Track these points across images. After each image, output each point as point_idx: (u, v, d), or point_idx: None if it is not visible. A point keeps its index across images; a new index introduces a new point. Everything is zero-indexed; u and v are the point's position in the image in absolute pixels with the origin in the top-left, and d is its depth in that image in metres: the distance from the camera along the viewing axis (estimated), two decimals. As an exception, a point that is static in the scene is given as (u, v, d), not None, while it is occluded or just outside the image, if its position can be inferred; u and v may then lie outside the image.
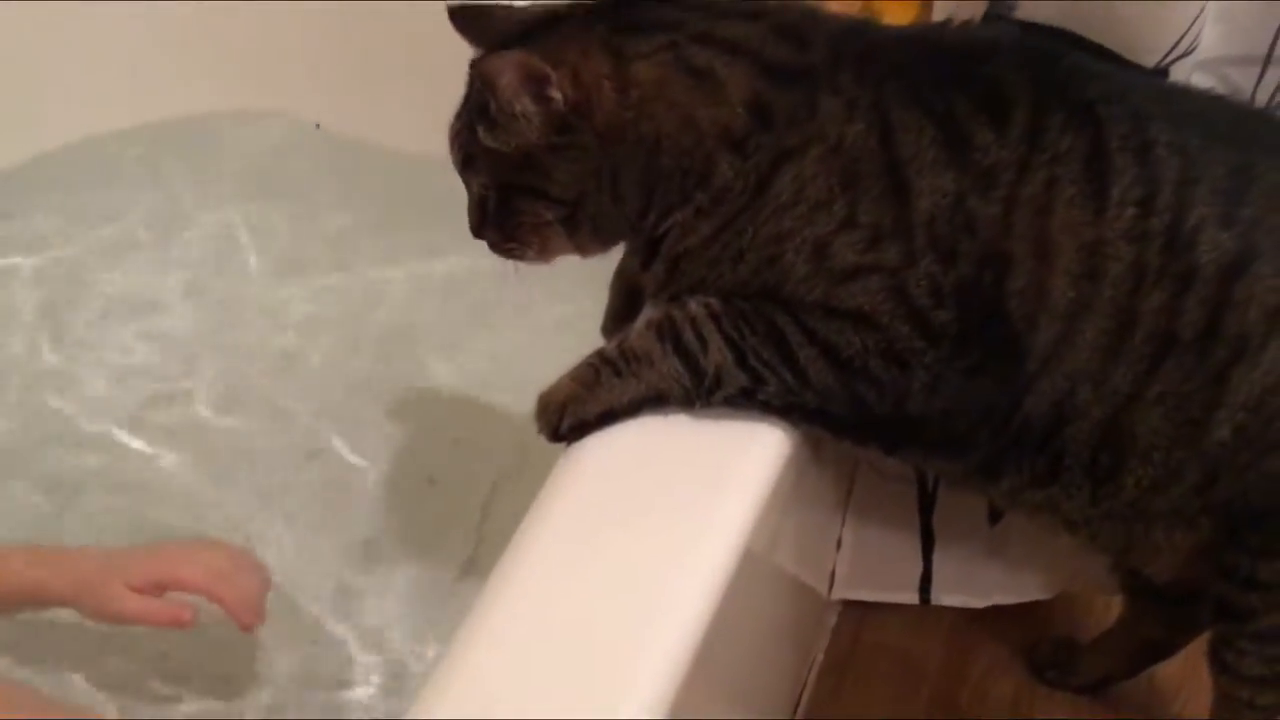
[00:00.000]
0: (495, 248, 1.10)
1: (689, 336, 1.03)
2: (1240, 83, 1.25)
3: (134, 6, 1.75)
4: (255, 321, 1.70)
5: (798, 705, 1.51)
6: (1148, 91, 1.09)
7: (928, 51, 1.07)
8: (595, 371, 1.04)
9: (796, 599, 1.43)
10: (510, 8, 1.10)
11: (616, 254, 1.15)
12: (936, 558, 1.50)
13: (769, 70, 1.02)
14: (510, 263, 1.11)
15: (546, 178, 1.04)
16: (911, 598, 1.54)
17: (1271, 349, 1.01)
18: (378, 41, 1.73)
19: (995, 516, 1.44)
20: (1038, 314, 1.00)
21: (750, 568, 0.97)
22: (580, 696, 0.84)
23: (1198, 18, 1.14)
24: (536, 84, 1.00)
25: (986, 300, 1.00)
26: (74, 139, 1.80)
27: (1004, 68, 1.03)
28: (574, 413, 1.03)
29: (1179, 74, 1.17)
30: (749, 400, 1.03)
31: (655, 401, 1.03)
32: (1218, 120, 1.08)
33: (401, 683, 1.32)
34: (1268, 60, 1.23)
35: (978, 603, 1.54)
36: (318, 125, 1.83)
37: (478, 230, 1.10)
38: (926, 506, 1.46)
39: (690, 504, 0.98)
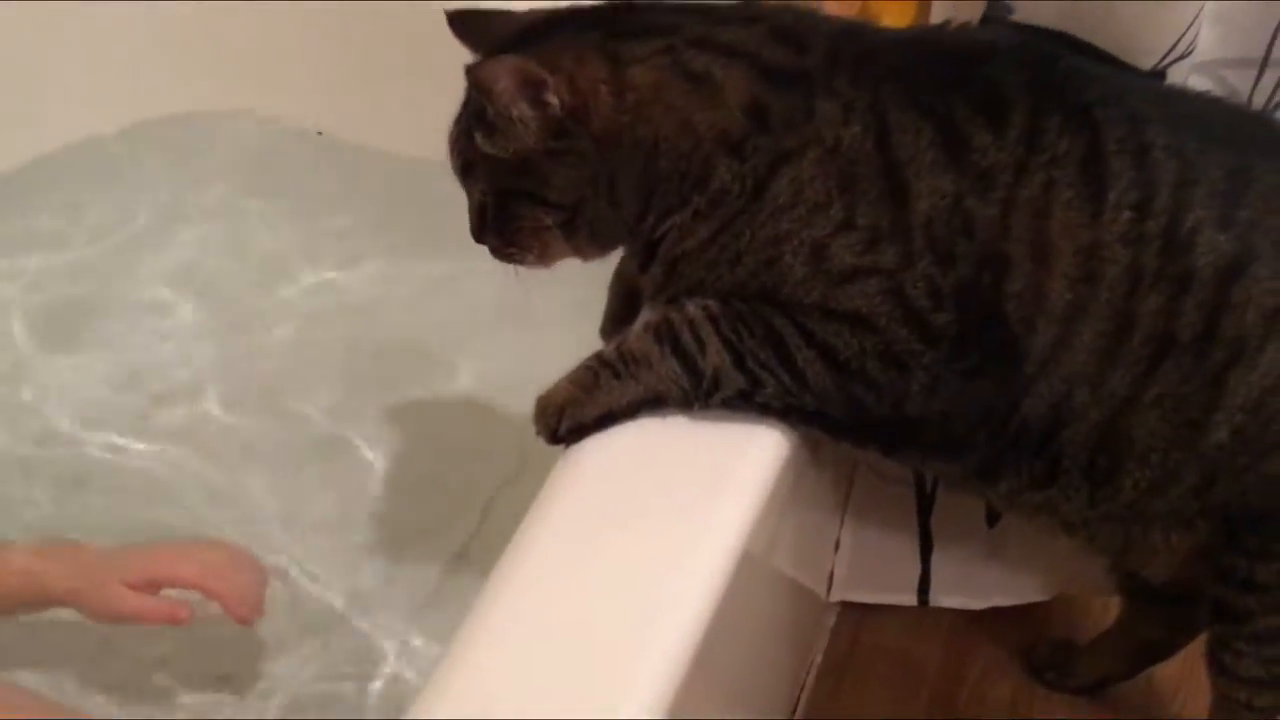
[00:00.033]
0: (496, 253, 1.10)
1: (687, 338, 1.03)
2: (1237, 85, 1.25)
3: (134, 7, 1.75)
4: (256, 322, 1.70)
5: (796, 706, 1.51)
6: (1145, 94, 1.09)
7: (925, 54, 1.07)
8: (594, 374, 1.04)
9: (795, 600, 1.43)
10: (509, 13, 1.10)
11: (616, 255, 1.15)
12: (935, 559, 1.50)
13: (766, 73, 1.02)
14: (511, 266, 1.11)
15: (544, 183, 1.04)
16: (910, 599, 1.54)
17: (1269, 351, 1.01)
18: (379, 43, 1.73)
19: (993, 518, 1.44)
20: (1035, 316, 1.00)
21: (749, 569, 0.98)
22: (580, 696, 0.84)
23: (1195, 20, 1.14)
24: (533, 89, 1.00)
25: (984, 302, 1.00)
26: (75, 139, 1.80)
27: (1002, 70, 1.03)
28: (572, 415, 1.03)
29: (1176, 76, 1.17)
30: (747, 402, 1.03)
31: (654, 403, 1.04)
32: (1215, 123, 1.08)
33: (397, 686, 1.33)
34: (1265, 62, 1.23)
35: (976, 604, 1.54)
36: (319, 132, 1.83)
37: (478, 235, 1.10)
38: (925, 508, 1.46)
39: (689, 505, 0.98)
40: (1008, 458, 1.07)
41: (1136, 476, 1.06)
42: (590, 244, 1.09)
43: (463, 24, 1.10)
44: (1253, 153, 1.04)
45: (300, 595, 1.40)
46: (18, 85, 1.73)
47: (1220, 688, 1.22)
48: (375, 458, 1.55)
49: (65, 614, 1.24)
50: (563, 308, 1.38)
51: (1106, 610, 1.51)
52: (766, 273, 1.02)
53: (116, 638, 1.31)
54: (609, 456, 1.02)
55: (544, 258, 1.10)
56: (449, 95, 1.07)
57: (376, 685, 1.33)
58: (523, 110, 1.00)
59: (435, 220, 1.19)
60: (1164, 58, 1.15)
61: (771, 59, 1.03)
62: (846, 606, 1.60)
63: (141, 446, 1.55)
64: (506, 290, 1.13)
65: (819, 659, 1.56)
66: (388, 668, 1.34)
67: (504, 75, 0.99)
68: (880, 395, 1.02)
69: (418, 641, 1.36)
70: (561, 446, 1.04)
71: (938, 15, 1.20)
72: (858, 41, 1.06)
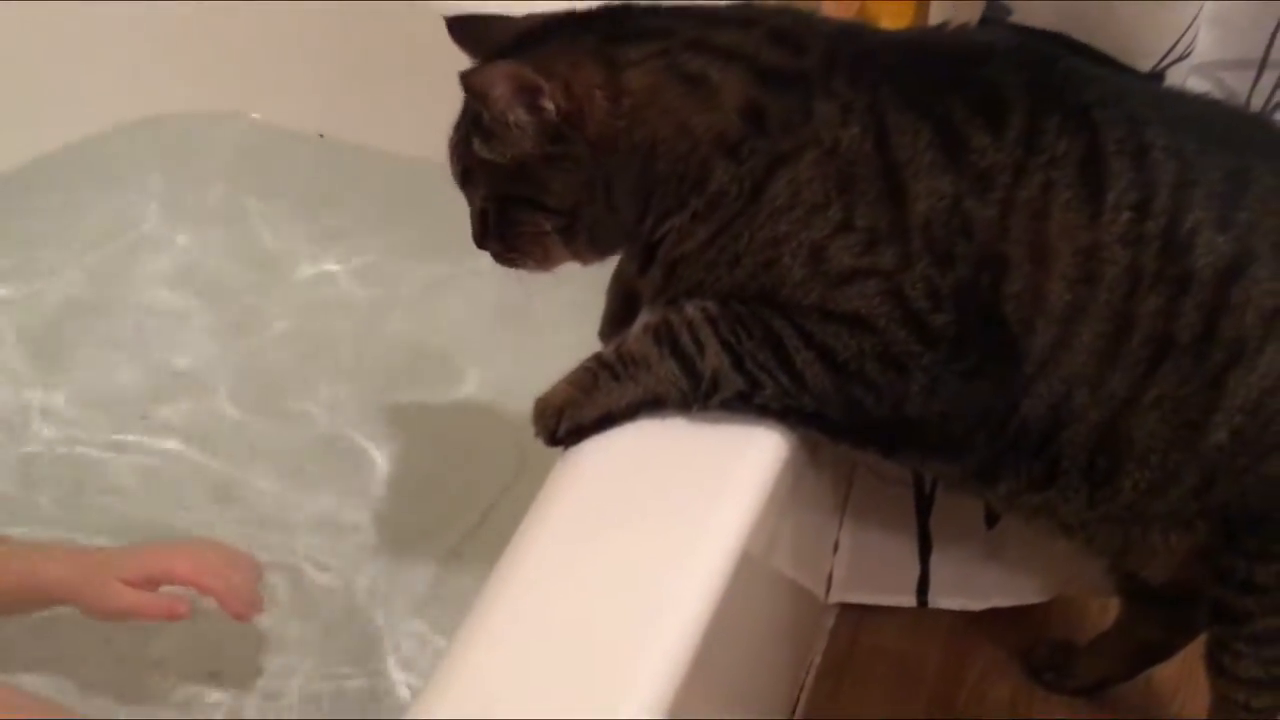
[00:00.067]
0: (498, 258, 1.10)
1: (686, 340, 1.03)
2: (1235, 87, 1.26)
3: (134, 7, 1.75)
4: (257, 322, 1.71)
5: (795, 707, 1.51)
6: (1143, 95, 1.09)
7: (924, 55, 1.07)
8: (592, 375, 1.04)
9: (794, 601, 1.43)
10: (508, 18, 1.10)
11: (616, 258, 1.15)
12: (934, 561, 1.50)
13: (763, 75, 1.02)
14: (512, 270, 1.11)
15: (542, 188, 1.04)
16: (909, 600, 1.54)
17: (1268, 352, 1.01)
18: (380, 44, 1.73)
19: (992, 519, 1.44)
20: (1034, 317, 1.00)
21: (748, 570, 0.98)
22: (580, 696, 0.84)
23: (1193, 22, 1.15)
24: (528, 95, 1.00)
25: (983, 303, 1.00)
26: (74, 139, 1.80)
27: (1000, 71, 1.04)
28: (571, 417, 1.03)
29: (1174, 78, 1.17)
30: (746, 403, 1.04)
31: (652, 405, 1.04)
32: (1213, 124, 1.08)
33: (398, 684, 1.33)
34: (1263, 64, 1.24)
35: (975, 605, 1.54)
36: (321, 134, 1.83)
37: (480, 242, 1.10)
38: (924, 510, 1.46)
39: (688, 507, 0.98)
40: (1007, 459, 1.07)
41: (1136, 478, 1.06)
42: (589, 248, 1.09)
43: (462, 30, 1.10)
44: (1251, 154, 1.04)
45: (300, 594, 1.40)
46: (17, 86, 1.73)
47: (1219, 689, 1.22)
48: (377, 458, 1.55)
49: (64, 615, 1.25)
50: (563, 309, 1.38)
51: (1105, 611, 1.51)
52: (765, 274, 1.02)
53: (116, 638, 1.32)
54: (608, 458, 1.02)
55: (545, 263, 1.10)
56: (452, 96, 1.06)
57: (376, 684, 1.32)
58: (519, 116, 1.00)
59: (437, 222, 1.19)
60: (1162, 59, 1.15)
61: (769, 61, 1.03)
62: (845, 607, 1.60)
63: (142, 446, 1.55)
64: (507, 292, 1.13)
65: (818, 660, 1.56)
66: (388, 666, 1.34)
67: (499, 81, 0.99)
68: (879, 396, 1.02)
69: (418, 640, 1.36)
70: (560, 448, 1.04)
71: (936, 16, 1.20)
72: (856, 43, 1.06)
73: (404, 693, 1.29)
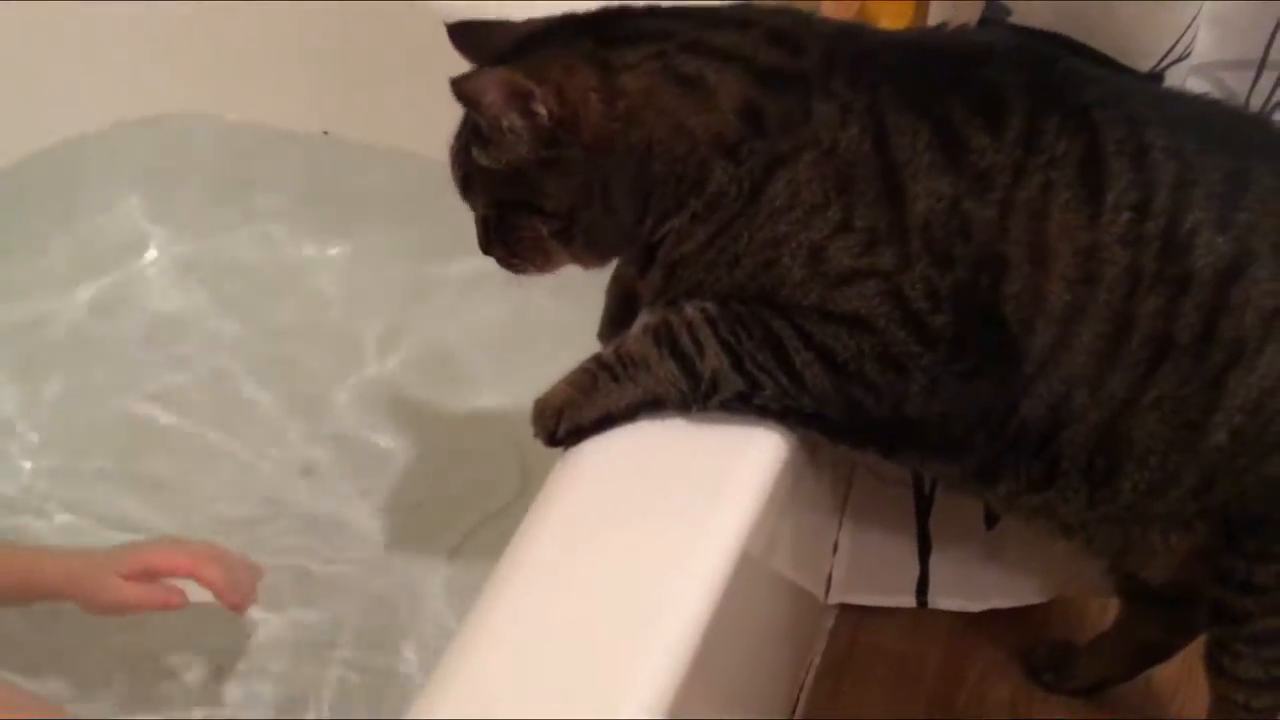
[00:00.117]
0: (502, 263, 1.11)
1: (685, 341, 1.03)
2: (1235, 87, 1.26)
3: (134, 7, 1.75)
4: (258, 321, 1.70)
5: (795, 707, 1.51)
6: (1143, 96, 1.09)
7: (923, 56, 1.07)
8: (592, 376, 1.04)
9: (794, 602, 1.43)
10: (509, 24, 1.10)
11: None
12: (933, 561, 1.50)
13: (761, 76, 1.02)
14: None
15: (539, 192, 1.04)
16: (908, 601, 1.54)
17: (1268, 353, 1.01)
18: (384, 43, 1.73)
19: (992, 520, 1.44)
20: (1034, 318, 1.00)
21: (748, 571, 0.98)
22: (580, 696, 0.84)
23: (1192, 22, 1.15)
24: (521, 100, 1.00)
25: (983, 304, 1.00)
26: (72, 138, 1.80)
27: (999, 72, 1.04)
28: (570, 418, 1.03)
29: (1174, 78, 1.17)
30: (745, 404, 1.04)
31: (652, 406, 1.04)
32: (1213, 125, 1.08)
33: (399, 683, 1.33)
34: (1262, 64, 1.24)
35: (975, 606, 1.54)
36: (325, 132, 1.83)
37: (485, 248, 1.11)
38: (923, 510, 1.46)
39: (687, 507, 0.98)
40: (1006, 459, 1.07)
41: (1135, 478, 1.06)
42: (588, 252, 1.09)
43: (463, 37, 1.10)
44: (1251, 155, 1.04)
45: (302, 593, 1.40)
46: (13, 83, 1.73)
47: (1219, 689, 1.22)
48: (380, 456, 1.55)
49: (64, 614, 1.25)
50: (564, 311, 1.38)
51: (1105, 612, 1.51)
52: (765, 275, 1.02)
53: (116, 635, 1.32)
54: (608, 458, 1.02)
55: (547, 266, 1.10)
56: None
57: (378, 683, 1.33)
58: (513, 121, 1.00)
59: (440, 223, 1.19)
60: (1162, 60, 1.15)
61: (766, 62, 1.03)
62: (845, 608, 1.60)
63: (139, 447, 1.55)
64: (510, 294, 1.13)
65: (818, 660, 1.56)
66: (389, 666, 1.34)
67: (490, 88, 1.00)
68: (879, 397, 1.02)
69: (419, 640, 1.36)
70: (560, 448, 1.04)
71: (935, 17, 1.20)
72: (855, 43, 1.06)
73: (406, 691, 1.29)
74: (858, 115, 1.00)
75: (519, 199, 1.05)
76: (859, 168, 1.00)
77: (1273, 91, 1.25)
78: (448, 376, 1.64)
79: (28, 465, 1.53)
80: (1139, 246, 0.99)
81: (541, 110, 1.00)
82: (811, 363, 1.01)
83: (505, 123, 1.00)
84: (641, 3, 1.08)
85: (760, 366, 1.02)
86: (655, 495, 1.00)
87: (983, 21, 1.18)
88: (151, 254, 1.77)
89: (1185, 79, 1.20)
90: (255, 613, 1.33)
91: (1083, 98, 1.02)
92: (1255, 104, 1.26)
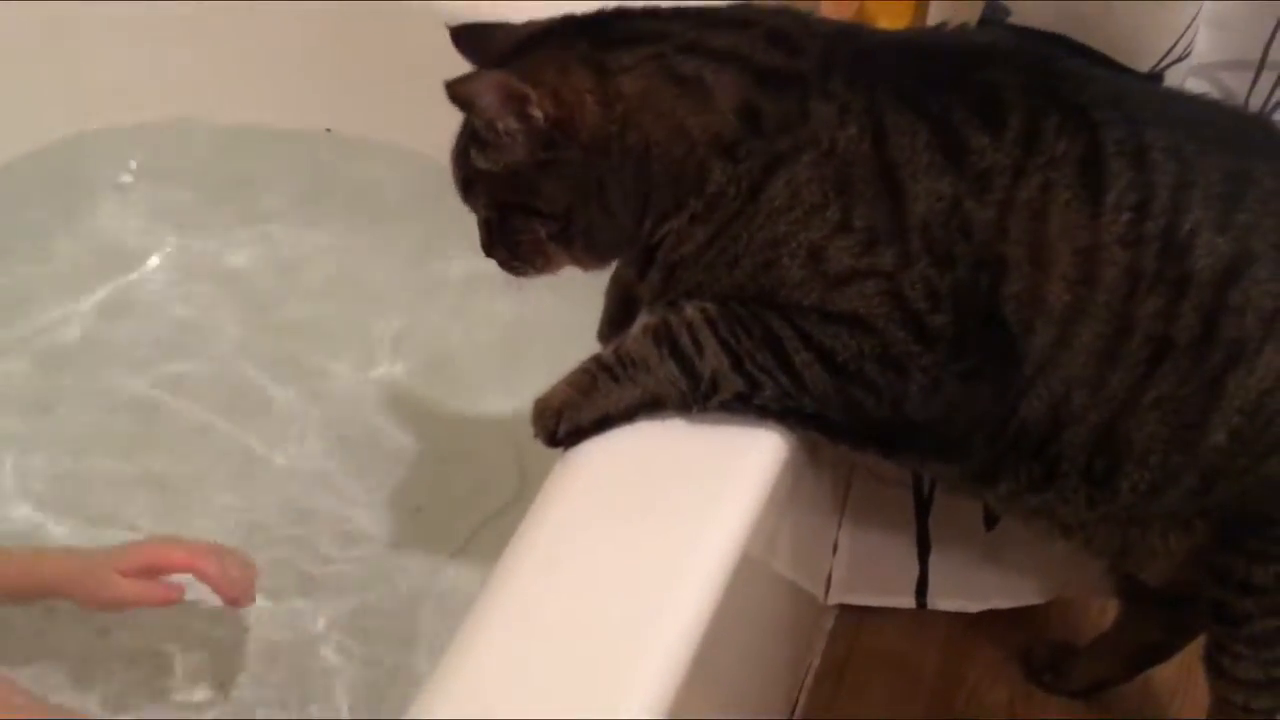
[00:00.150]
0: (504, 265, 1.11)
1: (685, 341, 1.03)
2: (1234, 87, 1.26)
3: (134, 7, 1.75)
4: (259, 321, 1.70)
5: (794, 708, 1.51)
6: (1143, 96, 1.09)
7: (922, 56, 1.07)
8: (592, 377, 1.04)
9: (793, 602, 1.43)
10: (510, 26, 1.10)
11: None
12: (933, 562, 1.50)
13: (759, 76, 1.02)
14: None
15: (537, 195, 1.05)
16: (908, 602, 1.54)
17: (1267, 353, 1.01)
18: (385, 41, 1.73)
19: (991, 521, 1.44)
20: (1034, 318, 1.00)
21: (747, 571, 0.98)
22: (580, 696, 0.84)
23: (1191, 23, 1.15)
24: (517, 103, 1.00)
25: (982, 304, 1.00)
26: (70, 137, 1.80)
27: (999, 72, 1.03)
28: (570, 418, 1.03)
29: (1173, 79, 1.17)
30: (745, 405, 1.04)
31: (652, 406, 1.04)
32: (1213, 125, 1.08)
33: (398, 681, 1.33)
34: (1261, 65, 1.24)
35: (974, 607, 1.54)
36: (328, 129, 1.83)
37: (487, 250, 1.11)
38: (923, 511, 1.46)
39: (688, 508, 0.98)
40: (1006, 460, 1.07)
41: (1135, 479, 1.06)
42: (588, 253, 1.09)
43: (465, 39, 1.10)
44: (1251, 155, 1.04)
45: (303, 592, 1.40)
46: (10, 82, 1.73)
47: (1218, 690, 1.22)
48: (382, 454, 1.55)
49: (62, 611, 1.26)
50: (564, 312, 1.38)
51: (1104, 613, 1.51)
52: (764, 275, 1.02)
53: (116, 634, 1.32)
54: (607, 459, 1.02)
55: (548, 268, 1.10)
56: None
57: (378, 682, 1.33)
58: (509, 124, 1.01)
59: (441, 224, 1.19)
60: (1161, 60, 1.15)
61: (765, 62, 1.03)
62: (845, 609, 1.60)
63: (136, 449, 1.55)
64: (511, 294, 1.13)
65: (817, 661, 1.57)
66: (390, 665, 1.34)
67: (485, 91, 1.00)
68: (879, 397, 1.02)
69: (420, 639, 1.35)
70: (560, 449, 1.04)
71: (935, 17, 1.20)
72: (854, 43, 1.06)
73: (407, 691, 1.29)
74: (856, 115, 1.00)
75: (518, 201, 1.06)
76: (858, 168, 1.00)
77: (1272, 91, 1.25)
78: (448, 376, 1.64)
79: (28, 465, 1.52)
80: (1139, 247, 0.99)
81: (537, 113, 1.00)
82: (811, 363, 1.02)
83: (501, 126, 1.01)
84: (640, 3, 1.08)
85: (760, 367, 1.02)
86: (655, 496, 1.00)
87: (982, 21, 1.18)
88: (152, 255, 1.77)
89: (1185, 79, 1.20)
90: (255, 612, 1.34)
91: (1082, 98, 1.02)
92: (1255, 104, 1.26)
